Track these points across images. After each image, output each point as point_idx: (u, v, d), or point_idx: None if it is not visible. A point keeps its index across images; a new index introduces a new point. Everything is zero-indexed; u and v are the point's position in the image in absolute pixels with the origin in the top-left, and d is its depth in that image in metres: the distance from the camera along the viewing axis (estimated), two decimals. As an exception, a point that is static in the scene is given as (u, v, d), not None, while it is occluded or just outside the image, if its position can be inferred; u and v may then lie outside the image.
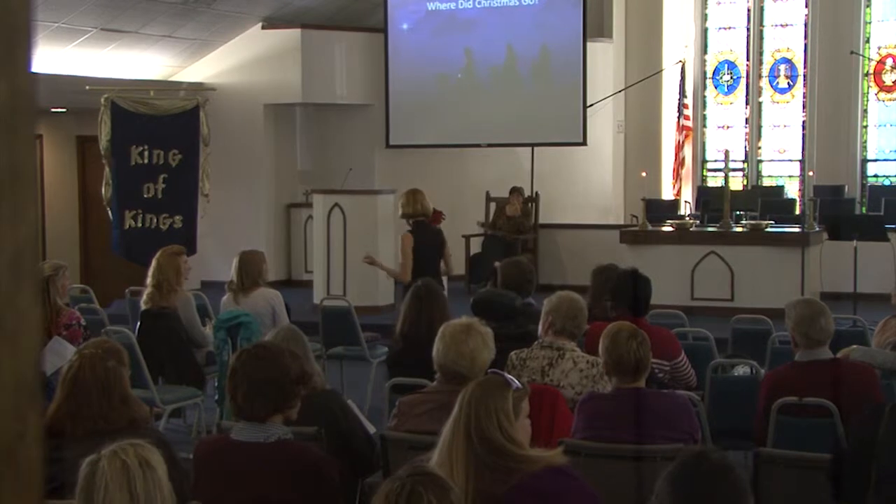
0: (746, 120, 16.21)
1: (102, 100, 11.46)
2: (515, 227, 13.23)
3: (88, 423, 3.90)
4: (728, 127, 16.36)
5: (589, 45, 13.84)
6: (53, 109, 14.06)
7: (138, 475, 2.90)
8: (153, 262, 7.44)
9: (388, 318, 9.48)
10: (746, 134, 16.21)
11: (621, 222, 14.65)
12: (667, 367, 5.83)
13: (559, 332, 5.24)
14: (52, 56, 12.21)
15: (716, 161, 16.19)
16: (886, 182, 15.44)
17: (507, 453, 3.27)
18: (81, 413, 3.92)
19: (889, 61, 15.31)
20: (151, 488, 2.92)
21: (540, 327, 5.38)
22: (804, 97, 15.73)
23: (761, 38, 16.04)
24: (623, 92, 15.70)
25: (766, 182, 16.04)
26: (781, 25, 15.92)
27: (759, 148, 16.18)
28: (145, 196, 11.59)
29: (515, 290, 6.39)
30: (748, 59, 16.11)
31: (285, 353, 4.00)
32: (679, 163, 15.83)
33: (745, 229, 11.64)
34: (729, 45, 16.25)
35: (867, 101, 15.42)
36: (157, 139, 11.57)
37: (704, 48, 16.34)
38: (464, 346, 4.40)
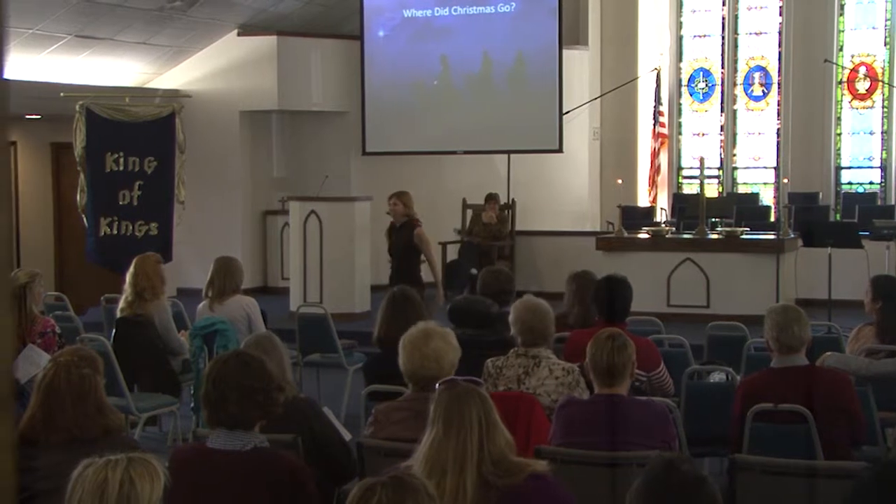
0: (721, 127, 16.30)
1: (77, 106, 11.40)
2: (492, 234, 13.24)
3: (62, 432, 3.87)
4: (703, 134, 16.44)
5: (565, 52, 13.85)
6: (28, 116, 13.98)
7: (113, 493, 2.84)
8: (133, 269, 7.38)
9: (364, 324, 9.46)
10: (721, 141, 16.29)
11: (597, 229, 14.69)
12: (644, 377, 5.81)
13: (525, 343, 5.26)
14: (27, 63, 12.14)
15: (691, 168, 16.26)
16: (860, 189, 15.55)
17: (506, 460, 3.32)
18: (55, 421, 3.89)
19: (862, 69, 15.42)
20: None
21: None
22: (778, 105, 15.83)
23: (736, 46, 16.13)
24: (599, 99, 15.75)
25: (742, 189, 16.12)
26: (756, 34, 16.02)
27: (734, 155, 16.26)
28: (121, 203, 11.53)
29: (494, 298, 6.39)
30: (723, 67, 16.20)
31: (265, 359, 3.99)
32: (655, 170, 15.90)
33: (720, 236, 11.69)
34: (704, 52, 16.33)
35: (840, 108, 15.53)
36: (132, 146, 11.51)
37: (679, 56, 16.41)
38: (426, 348, 4.41)
